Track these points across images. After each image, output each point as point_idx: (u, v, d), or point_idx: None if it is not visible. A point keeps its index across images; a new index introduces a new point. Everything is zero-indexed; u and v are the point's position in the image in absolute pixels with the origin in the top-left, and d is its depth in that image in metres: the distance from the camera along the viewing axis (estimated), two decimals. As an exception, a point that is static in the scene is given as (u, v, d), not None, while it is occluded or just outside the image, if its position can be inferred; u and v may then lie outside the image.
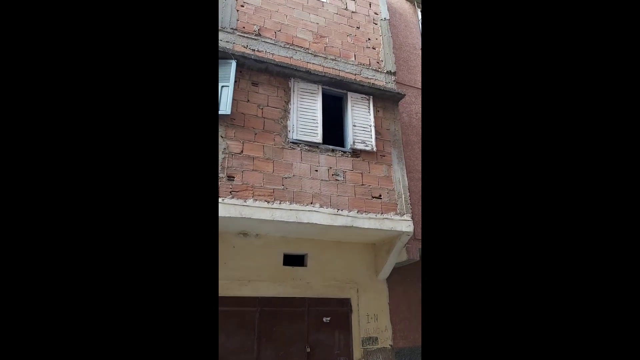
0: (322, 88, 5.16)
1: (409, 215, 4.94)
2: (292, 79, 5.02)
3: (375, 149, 5.09)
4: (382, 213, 4.78)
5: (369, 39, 5.99)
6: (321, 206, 4.47)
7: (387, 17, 6.38)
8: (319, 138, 4.82)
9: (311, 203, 4.44)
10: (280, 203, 4.29)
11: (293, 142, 4.71)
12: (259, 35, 5.17)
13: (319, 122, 4.92)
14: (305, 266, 5.18)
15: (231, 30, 5.00)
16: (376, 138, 5.19)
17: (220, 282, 4.52)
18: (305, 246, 5.20)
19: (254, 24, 5.21)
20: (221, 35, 4.89)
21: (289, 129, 4.76)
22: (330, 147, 4.91)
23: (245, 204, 4.13)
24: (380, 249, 5.44)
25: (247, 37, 5.07)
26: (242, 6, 5.25)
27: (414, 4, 7.91)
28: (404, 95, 5.71)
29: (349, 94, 5.31)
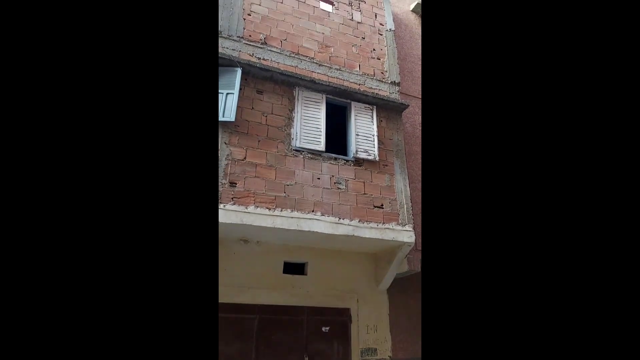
0: (326, 97, 5.19)
1: (411, 225, 4.92)
2: (297, 88, 5.06)
3: (377, 158, 5.10)
4: (383, 223, 4.76)
5: (374, 50, 6.04)
6: (322, 214, 4.46)
7: (393, 28, 6.43)
8: (322, 146, 4.83)
9: (312, 211, 4.43)
10: (281, 210, 4.29)
11: (296, 150, 4.72)
12: (265, 43, 5.22)
13: (322, 130, 4.94)
14: (306, 275, 5.16)
15: (237, 38, 5.06)
16: (379, 148, 5.19)
17: (219, 288, 4.50)
18: (306, 255, 5.18)
19: (260, 33, 5.27)
20: (227, 43, 4.95)
21: (292, 136, 4.78)
22: (333, 155, 4.92)
23: (246, 210, 4.13)
24: (381, 259, 5.41)
25: (253, 45, 5.13)
26: (249, 15, 5.32)
27: (420, 16, 7.98)
28: (408, 105, 5.73)
29: (353, 104, 5.34)
